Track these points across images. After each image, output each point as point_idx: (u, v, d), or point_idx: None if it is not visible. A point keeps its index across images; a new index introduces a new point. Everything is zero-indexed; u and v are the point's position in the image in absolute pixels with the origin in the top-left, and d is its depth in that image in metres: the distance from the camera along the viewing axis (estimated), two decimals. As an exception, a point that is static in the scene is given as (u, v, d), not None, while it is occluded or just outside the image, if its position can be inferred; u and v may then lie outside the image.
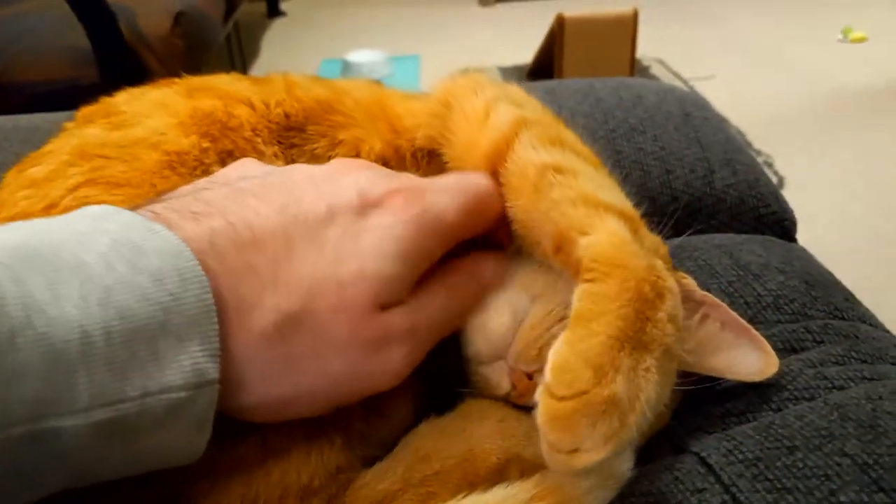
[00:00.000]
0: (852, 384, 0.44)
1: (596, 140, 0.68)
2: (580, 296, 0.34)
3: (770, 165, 2.13)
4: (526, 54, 2.67)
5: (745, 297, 0.53)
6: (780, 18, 3.37)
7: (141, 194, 0.40)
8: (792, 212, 0.71)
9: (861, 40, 3.02)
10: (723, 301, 0.43)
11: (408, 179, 0.38)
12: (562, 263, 0.37)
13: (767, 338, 0.43)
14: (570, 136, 0.44)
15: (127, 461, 0.30)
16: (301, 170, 0.38)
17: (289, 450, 0.36)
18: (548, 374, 0.32)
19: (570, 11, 2.24)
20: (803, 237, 0.71)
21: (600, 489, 0.37)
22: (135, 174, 0.41)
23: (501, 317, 0.40)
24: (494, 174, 0.40)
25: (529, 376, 0.40)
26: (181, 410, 0.29)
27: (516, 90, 0.47)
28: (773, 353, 0.43)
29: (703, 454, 0.40)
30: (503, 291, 0.41)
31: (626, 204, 0.39)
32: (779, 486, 0.37)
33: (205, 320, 0.30)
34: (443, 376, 0.42)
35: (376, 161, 0.46)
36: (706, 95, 2.44)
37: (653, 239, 0.40)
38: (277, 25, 3.78)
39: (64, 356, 0.26)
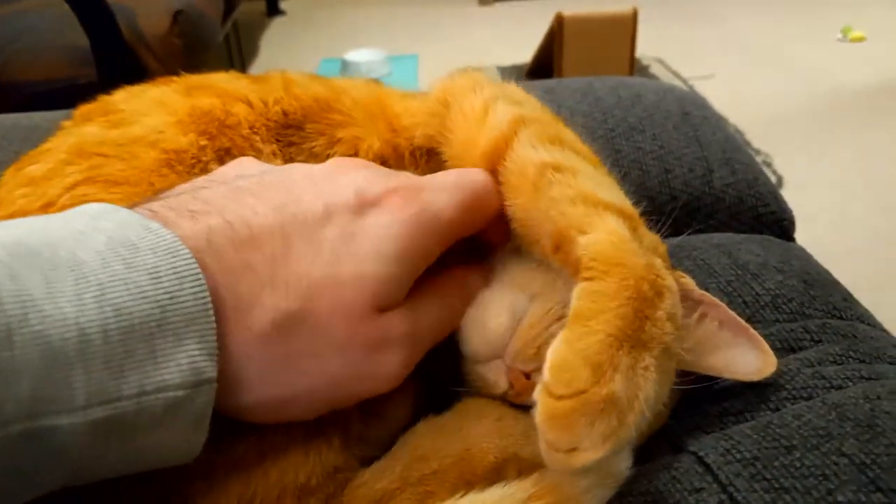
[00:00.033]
0: (850, 384, 0.44)
1: (595, 139, 0.68)
2: (579, 294, 0.34)
3: (769, 165, 2.13)
4: (525, 53, 2.67)
5: (744, 296, 0.53)
6: (780, 18, 3.37)
7: (139, 192, 0.40)
8: (790, 211, 0.71)
9: (860, 40, 3.02)
10: (721, 300, 0.43)
11: (406, 178, 0.38)
12: (561, 262, 0.37)
13: (765, 337, 0.43)
14: (569, 134, 0.44)
15: (124, 460, 0.30)
16: (299, 169, 0.38)
17: (287, 450, 0.36)
18: (546, 372, 0.32)
19: (570, 10, 2.24)
20: (802, 237, 0.71)
21: (598, 488, 0.37)
22: (133, 172, 0.41)
23: (499, 316, 0.40)
24: (493, 173, 0.40)
25: (527, 375, 0.40)
26: (179, 409, 0.29)
27: (515, 89, 0.47)
28: (771, 352, 0.43)
29: (701, 453, 0.40)
30: (501, 291, 0.41)
31: (625, 202, 0.39)
32: (776, 485, 0.37)
33: (202, 319, 0.30)
34: (440, 375, 0.42)
35: (375, 160, 0.46)
36: (705, 95, 2.44)
37: (651, 237, 0.40)
38: (276, 24, 3.78)
39: (61, 354, 0.26)
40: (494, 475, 0.38)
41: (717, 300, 0.43)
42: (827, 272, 0.59)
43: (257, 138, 0.46)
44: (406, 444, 0.40)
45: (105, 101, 0.48)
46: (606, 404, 0.31)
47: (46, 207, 0.40)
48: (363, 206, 0.35)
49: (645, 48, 2.73)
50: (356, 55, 2.78)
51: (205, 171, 0.43)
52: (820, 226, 1.85)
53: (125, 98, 0.48)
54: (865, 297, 0.58)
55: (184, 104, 0.46)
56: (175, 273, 0.30)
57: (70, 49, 1.52)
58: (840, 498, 0.36)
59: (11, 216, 0.40)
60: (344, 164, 0.39)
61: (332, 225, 0.35)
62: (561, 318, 0.39)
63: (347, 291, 0.34)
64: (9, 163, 0.45)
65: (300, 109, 0.47)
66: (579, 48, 2.24)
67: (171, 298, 0.29)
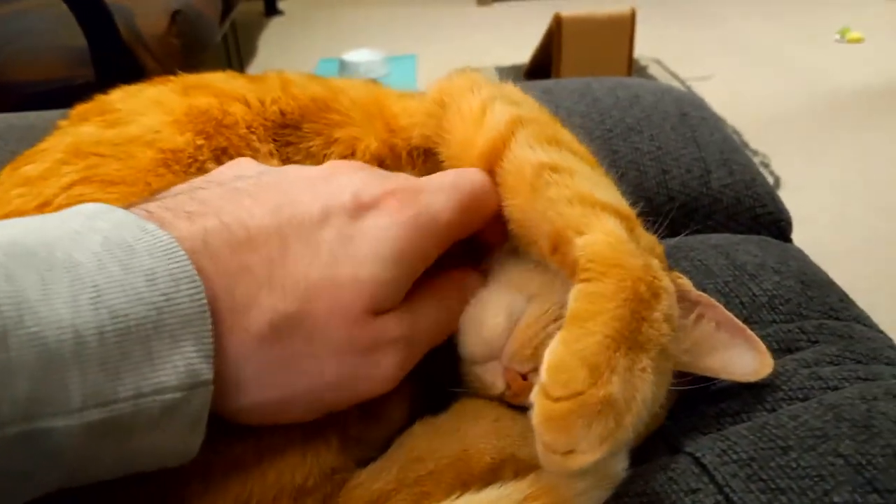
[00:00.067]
0: (847, 384, 0.44)
1: (593, 140, 0.68)
2: (576, 295, 0.34)
3: (767, 166, 2.13)
4: (523, 54, 2.67)
5: (741, 297, 0.53)
6: (778, 19, 3.38)
7: (136, 192, 0.40)
8: (788, 212, 0.72)
9: (858, 41, 3.02)
10: (718, 301, 0.43)
11: (403, 180, 0.38)
12: (558, 263, 0.37)
13: (762, 338, 0.43)
14: (566, 135, 0.44)
15: (121, 461, 0.30)
16: (296, 170, 0.38)
17: (284, 451, 0.36)
18: (543, 374, 0.32)
19: (568, 11, 2.24)
20: (800, 237, 0.71)
21: (595, 489, 0.37)
22: (129, 172, 0.41)
23: (496, 317, 0.40)
24: (491, 173, 0.40)
25: (524, 376, 0.40)
26: (175, 411, 0.29)
27: (512, 89, 0.47)
28: (768, 353, 0.43)
29: (698, 454, 0.40)
30: (498, 291, 0.41)
31: (622, 203, 0.39)
32: (773, 486, 0.37)
33: (198, 321, 0.30)
34: (438, 376, 0.42)
35: (372, 160, 0.46)
36: (704, 95, 2.44)
37: (648, 238, 0.40)
38: (275, 24, 3.78)
39: (56, 356, 0.26)
40: (491, 476, 0.38)
41: (714, 301, 0.43)
42: (824, 273, 0.59)
43: (254, 138, 0.46)
44: (403, 444, 0.40)
45: (102, 100, 0.48)
46: (603, 406, 0.31)
47: (43, 207, 0.39)
48: (360, 208, 0.35)
49: (643, 49, 2.74)
50: (354, 55, 2.78)
51: (202, 170, 0.42)
52: (817, 226, 1.85)
53: (122, 98, 0.47)
54: (862, 298, 0.58)
55: (181, 104, 0.45)
56: (171, 275, 0.30)
57: (68, 49, 1.52)
58: (836, 499, 0.36)
59: (7, 216, 0.40)
60: (341, 166, 0.39)
61: (330, 227, 0.34)
62: (558, 318, 0.39)
63: (345, 294, 0.34)
64: (5, 163, 0.45)
65: (297, 109, 0.47)
66: (577, 49, 2.24)
67: (167, 301, 0.29)
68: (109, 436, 0.28)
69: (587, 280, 0.34)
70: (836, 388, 0.44)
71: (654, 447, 0.44)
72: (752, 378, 0.43)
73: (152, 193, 0.38)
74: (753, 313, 0.52)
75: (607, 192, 0.39)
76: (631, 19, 2.26)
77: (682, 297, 0.39)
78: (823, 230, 1.84)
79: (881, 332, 0.53)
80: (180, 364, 0.29)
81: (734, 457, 0.39)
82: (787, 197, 0.74)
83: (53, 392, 0.26)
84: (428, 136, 0.46)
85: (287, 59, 3.21)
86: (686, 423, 0.45)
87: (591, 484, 0.37)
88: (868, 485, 0.36)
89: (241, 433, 0.35)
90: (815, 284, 0.55)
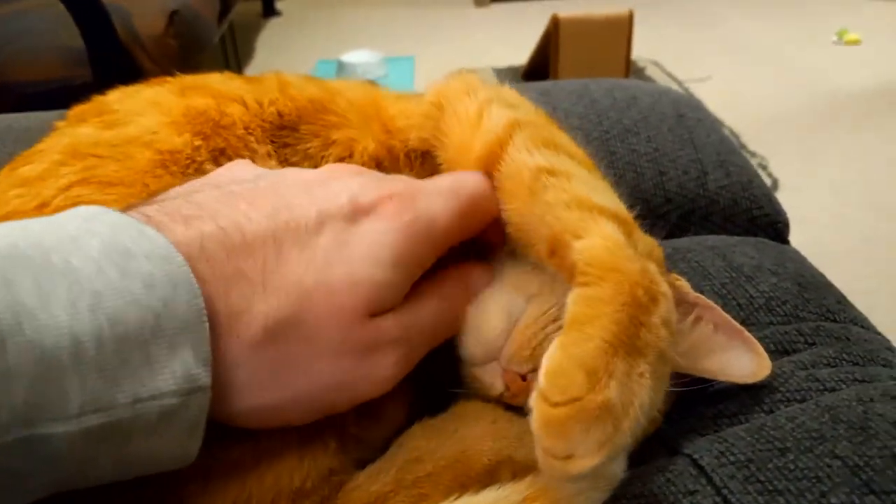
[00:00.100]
0: (844, 386, 0.44)
1: (590, 141, 0.68)
2: (574, 300, 0.34)
3: (765, 167, 2.13)
4: (521, 55, 2.67)
5: (738, 298, 0.53)
6: (776, 21, 3.38)
7: (133, 193, 0.40)
8: (785, 214, 0.72)
9: (855, 42, 3.03)
10: (715, 303, 0.43)
11: (401, 184, 0.38)
12: (556, 267, 0.37)
13: (760, 340, 0.43)
14: (563, 138, 0.44)
15: (119, 466, 0.30)
16: (293, 174, 0.38)
17: (282, 454, 0.36)
18: (542, 379, 0.32)
19: (566, 12, 2.25)
20: (797, 239, 0.71)
21: (592, 491, 0.37)
22: (127, 173, 0.41)
23: (495, 318, 0.40)
24: (488, 177, 0.40)
25: (523, 377, 0.40)
26: (173, 416, 0.29)
27: (509, 92, 0.47)
28: (765, 355, 0.43)
29: (696, 456, 0.40)
30: (497, 292, 0.41)
31: (619, 207, 0.39)
32: (770, 487, 0.37)
33: (196, 326, 0.30)
34: (436, 377, 0.42)
35: (369, 161, 0.46)
36: (701, 97, 2.45)
37: (646, 242, 0.40)
38: (273, 25, 3.78)
39: (55, 362, 0.26)
40: (488, 478, 0.38)
41: (711, 303, 0.43)
42: (821, 275, 0.59)
43: (252, 139, 0.46)
44: (401, 446, 0.40)
45: (99, 101, 0.48)
46: (602, 411, 0.31)
47: (41, 208, 0.39)
48: (357, 213, 0.35)
49: (641, 50, 2.74)
50: (352, 56, 2.78)
51: (199, 171, 0.42)
52: (816, 227, 1.85)
53: (119, 98, 0.47)
54: (860, 299, 0.58)
55: (178, 104, 0.45)
56: (169, 280, 0.29)
57: (65, 49, 1.52)
58: (833, 500, 0.36)
59: (6, 216, 0.40)
60: (338, 169, 0.39)
61: (326, 232, 0.34)
62: (557, 319, 0.39)
63: (340, 295, 0.34)
64: (2, 164, 0.45)
65: (295, 111, 0.47)
66: (575, 50, 2.25)
67: (165, 306, 0.29)
68: (107, 441, 0.28)
69: (585, 284, 0.34)
70: (833, 390, 0.44)
71: (651, 449, 0.44)
72: (750, 380, 0.43)
73: (150, 195, 0.38)
74: (750, 315, 0.52)
75: (605, 195, 0.39)
76: (629, 20, 2.26)
77: (679, 299, 0.39)
78: (821, 231, 1.85)
79: (878, 333, 0.53)
80: (178, 369, 0.29)
81: (732, 458, 0.39)
82: (784, 198, 0.74)
83: (52, 398, 0.26)
84: (425, 139, 0.46)
85: (285, 60, 3.20)
86: (684, 424, 0.45)
87: (589, 486, 0.37)
88: (865, 486, 0.36)
89: (239, 436, 0.35)
90: (813, 286, 0.55)
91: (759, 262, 0.57)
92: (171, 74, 0.50)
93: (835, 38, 3.07)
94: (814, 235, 1.81)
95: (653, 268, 0.36)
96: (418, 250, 0.36)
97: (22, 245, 0.28)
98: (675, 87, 2.62)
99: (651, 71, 2.87)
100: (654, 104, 0.75)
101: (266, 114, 0.47)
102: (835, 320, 0.52)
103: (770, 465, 0.38)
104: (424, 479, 0.38)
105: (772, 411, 0.44)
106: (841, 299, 0.55)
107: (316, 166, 0.46)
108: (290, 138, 0.47)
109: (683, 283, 0.44)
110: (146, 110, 0.45)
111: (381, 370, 0.35)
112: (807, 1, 3.57)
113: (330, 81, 0.51)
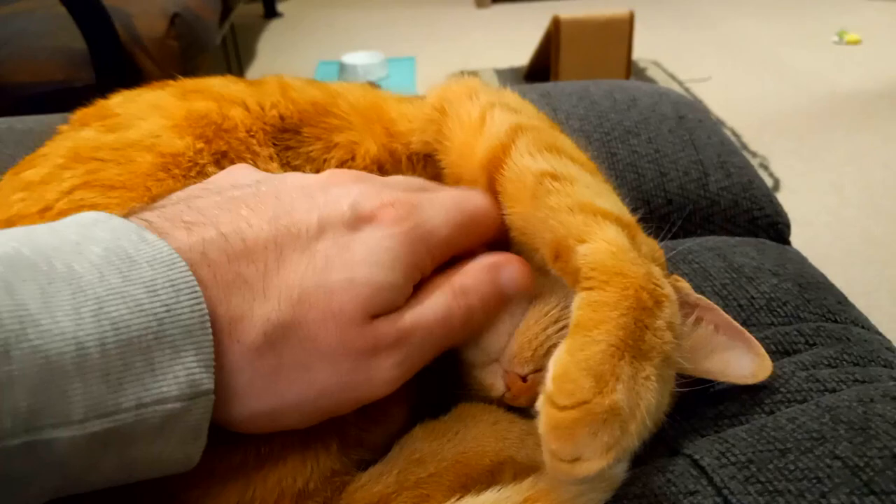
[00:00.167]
0: (844, 387, 0.44)
1: (591, 143, 0.68)
2: (579, 304, 0.34)
3: (766, 168, 2.13)
4: (522, 56, 2.67)
5: (739, 299, 0.53)
6: (776, 21, 3.38)
7: (136, 197, 0.40)
8: (786, 214, 0.72)
9: (856, 43, 3.03)
10: (716, 304, 0.43)
11: (403, 193, 0.38)
12: (560, 271, 0.37)
13: (760, 340, 0.43)
14: (566, 142, 0.44)
15: (122, 470, 0.30)
16: (294, 179, 0.38)
17: (285, 456, 0.36)
18: (549, 383, 0.32)
19: (567, 13, 2.25)
20: (798, 240, 0.72)
21: (593, 492, 0.37)
22: (129, 176, 0.41)
23: (496, 320, 0.40)
24: (491, 181, 0.40)
25: (524, 379, 0.40)
26: (176, 421, 0.29)
27: (511, 95, 0.47)
28: (766, 355, 0.43)
29: (696, 456, 0.40)
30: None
31: (622, 210, 0.39)
32: (770, 488, 0.37)
33: (199, 331, 0.30)
34: (437, 378, 0.42)
35: (371, 164, 0.47)
36: (702, 98, 2.46)
37: (650, 245, 0.40)
38: (274, 27, 3.78)
39: (59, 368, 0.26)
40: (490, 478, 0.38)
41: (712, 304, 0.43)
42: (822, 275, 0.59)
43: (254, 142, 0.46)
44: (403, 447, 0.40)
45: (101, 105, 0.48)
46: (609, 414, 0.31)
47: (44, 212, 0.40)
48: (358, 220, 0.35)
49: (642, 51, 2.74)
50: (353, 57, 2.78)
51: (202, 174, 0.43)
52: (816, 228, 1.85)
53: (121, 102, 0.48)
54: (860, 300, 0.58)
55: (180, 108, 0.46)
56: (172, 286, 0.30)
57: (66, 52, 1.52)
58: (833, 500, 0.36)
59: (8, 220, 0.40)
60: (339, 175, 0.39)
61: (326, 238, 0.34)
62: (558, 321, 0.39)
63: (339, 298, 0.34)
64: (4, 167, 0.45)
65: (297, 114, 0.48)
66: (576, 51, 2.25)
67: (168, 311, 0.29)
68: (111, 445, 0.28)
69: (590, 289, 0.34)
70: (833, 391, 0.44)
71: (652, 449, 0.44)
72: (751, 380, 0.43)
73: (152, 198, 0.38)
74: (751, 316, 0.52)
75: (608, 199, 0.39)
76: (629, 21, 2.26)
77: (681, 300, 0.39)
78: (822, 232, 1.84)
79: (879, 334, 0.53)
80: (181, 374, 0.29)
81: (732, 459, 0.39)
82: (785, 198, 0.74)
83: (56, 404, 0.26)
84: (427, 143, 0.46)
85: (286, 62, 3.21)
86: (685, 425, 0.45)
87: (590, 486, 0.37)
88: (865, 487, 0.36)
89: (242, 439, 0.35)
90: (813, 287, 0.55)
91: (760, 262, 0.57)
92: (173, 76, 0.50)
93: (835, 38, 3.07)
94: (814, 235, 1.81)
95: (657, 271, 0.36)
96: (417, 256, 0.36)
97: (26, 251, 0.28)
98: (676, 87, 2.63)
99: (652, 71, 2.87)
100: (654, 105, 0.75)
101: (268, 117, 0.47)
102: (835, 321, 0.52)
103: (770, 466, 0.38)
104: (426, 479, 0.38)
105: (772, 412, 0.44)
106: (841, 300, 0.55)
107: (318, 169, 0.46)
108: (291, 141, 0.47)
109: (684, 284, 0.44)
110: (148, 114, 0.45)
111: (382, 373, 0.35)
112: (807, 1, 3.57)
113: (331, 84, 0.52)
